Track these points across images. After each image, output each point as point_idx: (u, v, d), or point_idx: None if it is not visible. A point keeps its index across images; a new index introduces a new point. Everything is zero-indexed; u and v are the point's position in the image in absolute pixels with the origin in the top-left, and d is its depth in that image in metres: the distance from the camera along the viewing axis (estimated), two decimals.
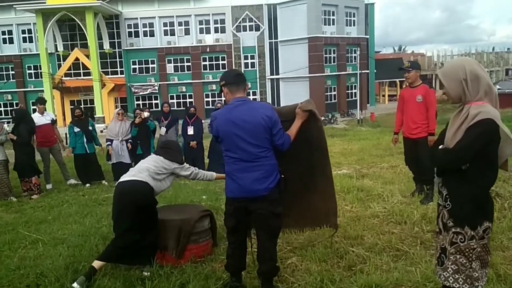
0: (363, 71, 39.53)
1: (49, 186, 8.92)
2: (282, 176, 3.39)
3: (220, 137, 3.35)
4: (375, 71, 44.07)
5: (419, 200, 5.77)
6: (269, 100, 39.74)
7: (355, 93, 39.32)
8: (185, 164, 4.38)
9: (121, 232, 3.97)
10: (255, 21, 38.75)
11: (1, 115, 33.58)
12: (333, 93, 39.95)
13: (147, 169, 4.11)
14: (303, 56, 37.55)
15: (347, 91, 40.62)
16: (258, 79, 39.25)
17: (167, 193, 7.19)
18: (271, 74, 39.65)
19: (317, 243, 4.36)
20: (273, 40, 39.20)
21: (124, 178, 4.12)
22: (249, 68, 39.11)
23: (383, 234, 4.59)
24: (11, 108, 37.47)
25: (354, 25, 40.75)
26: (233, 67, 38.41)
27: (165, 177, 4.21)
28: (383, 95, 53.81)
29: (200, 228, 4.28)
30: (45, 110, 9.27)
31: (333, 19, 38.91)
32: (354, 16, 40.65)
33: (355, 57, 39.08)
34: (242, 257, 3.54)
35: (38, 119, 8.85)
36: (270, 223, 3.33)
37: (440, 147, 2.57)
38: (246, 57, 39.27)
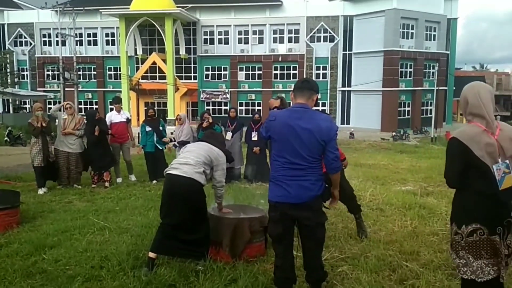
0: (440, 88, 37.78)
1: (119, 180, 9.38)
2: (326, 186, 3.37)
3: (275, 138, 3.31)
4: (454, 88, 42.07)
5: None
6: (338, 112, 39.31)
7: (430, 110, 37.71)
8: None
9: (169, 224, 4.12)
10: (330, 32, 38.56)
11: (81, 112, 35.62)
12: (407, 108, 38.57)
13: (196, 163, 4.12)
14: (378, 69, 36.67)
15: (422, 108, 39.01)
16: (328, 90, 38.93)
17: (227, 195, 7.37)
18: (343, 86, 39.15)
19: (370, 254, 4.31)
20: (347, 52, 38.75)
21: (173, 170, 4.13)
22: (320, 79, 38.88)
23: (440, 252, 4.44)
24: (90, 106, 39.91)
25: (434, 39, 39.08)
26: (304, 77, 38.33)
27: (209, 172, 4.22)
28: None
29: (254, 229, 4.37)
30: (121, 109, 9.84)
31: (411, 33, 37.66)
32: (434, 31, 39.01)
33: (433, 72, 37.36)
34: (293, 268, 3.48)
35: (115, 117, 9.42)
36: (316, 232, 3.35)
37: None
38: (318, 68, 39.11)
